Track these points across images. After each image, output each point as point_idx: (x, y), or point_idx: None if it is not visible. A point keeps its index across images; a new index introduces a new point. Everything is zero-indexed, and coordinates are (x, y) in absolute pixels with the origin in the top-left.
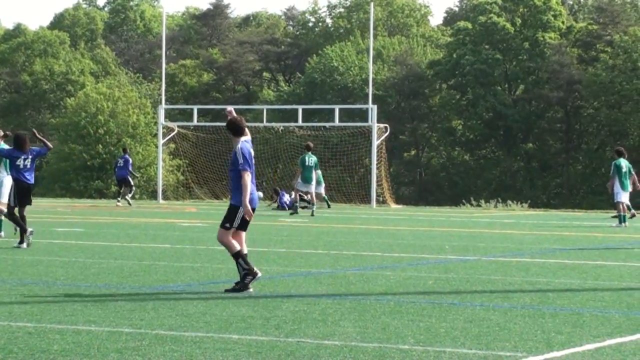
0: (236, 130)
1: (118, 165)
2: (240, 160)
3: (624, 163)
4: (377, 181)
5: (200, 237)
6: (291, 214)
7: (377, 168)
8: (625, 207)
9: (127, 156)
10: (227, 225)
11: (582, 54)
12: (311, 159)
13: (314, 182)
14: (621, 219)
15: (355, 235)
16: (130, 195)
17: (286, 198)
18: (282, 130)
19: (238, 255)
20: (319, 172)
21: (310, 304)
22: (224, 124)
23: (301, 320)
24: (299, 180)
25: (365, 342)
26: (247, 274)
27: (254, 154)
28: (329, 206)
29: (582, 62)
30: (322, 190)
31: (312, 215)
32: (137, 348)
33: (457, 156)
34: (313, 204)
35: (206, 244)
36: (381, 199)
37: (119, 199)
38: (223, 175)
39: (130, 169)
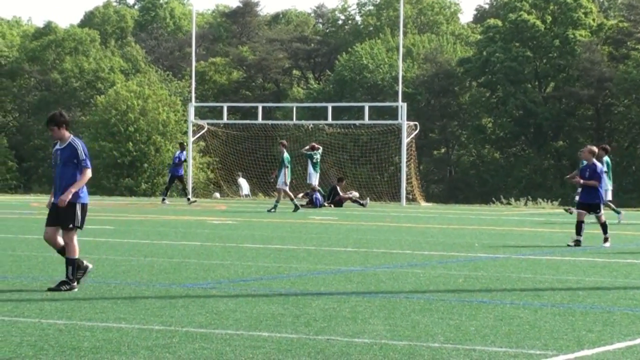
0: (61, 122)
1: (175, 162)
2: (83, 157)
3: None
4: (407, 179)
5: (230, 235)
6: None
7: (407, 166)
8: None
9: (183, 153)
10: (71, 225)
11: (613, 52)
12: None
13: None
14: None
15: (385, 233)
16: (166, 194)
17: (319, 196)
18: (311, 128)
19: (74, 262)
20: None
21: (340, 301)
22: (254, 121)
23: (331, 318)
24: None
25: (395, 340)
26: (68, 282)
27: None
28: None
29: (612, 60)
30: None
31: (271, 211)
32: (167, 345)
33: (487, 154)
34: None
35: (236, 242)
36: (411, 196)
37: (188, 198)
38: (253, 173)
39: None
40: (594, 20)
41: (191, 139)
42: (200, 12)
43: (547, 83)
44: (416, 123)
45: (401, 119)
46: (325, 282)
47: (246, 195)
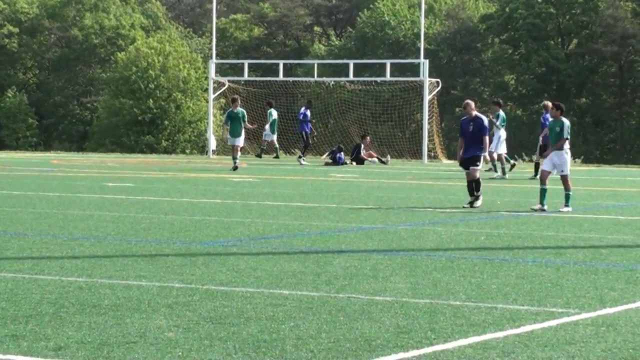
0: None
1: (300, 118)
2: None
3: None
4: (429, 136)
5: (250, 193)
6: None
7: (429, 123)
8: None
9: (306, 111)
10: None
11: (637, 8)
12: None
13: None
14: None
15: (406, 191)
16: (303, 154)
17: (342, 155)
18: (333, 85)
19: None
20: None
21: (361, 259)
22: (275, 78)
23: (352, 276)
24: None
25: (416, 298)
26: None
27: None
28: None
29: (636, 16)
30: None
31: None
32: (187, 303)
33: (509, 111)
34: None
35: (257, 199)
36: (433, 154)
37: (300, 156)
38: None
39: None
40: None
41: (212, 96)
42: None
43: (570, 40)
44: (438, 80)
45: (423, 76)
46: (347, 240)
47: (213, 151)
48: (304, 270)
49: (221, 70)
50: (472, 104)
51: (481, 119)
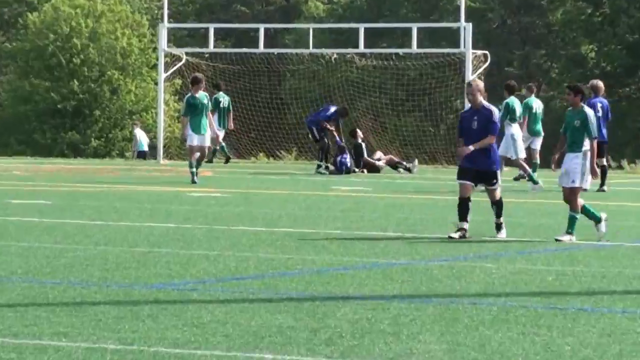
0: None
1: (321, 116)
2: None
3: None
4: None
5: (218, 213)
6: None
7: None
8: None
9: (334, 113)
10: None
11: None
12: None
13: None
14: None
15: (440, 210)
16: (324, 160)
17: (347, 158)
18: (335, 59)
19: None
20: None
21: (377, 309)
22: (254, 50)
23: (363, 334)
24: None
25: None
26: None
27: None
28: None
29: None
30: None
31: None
32: None
33: (587, 95)
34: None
35: (227, 223)
36: None
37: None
38: (252, 124)
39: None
40: None
41: (162, 75)
42: None
43: None
44: (486, 52)
45: (464, 46)
46: (355, 281)
47: (140, 152)
48: (294, 325)
49: (176, 38)
50: (479, 84)
51: (489, 112)
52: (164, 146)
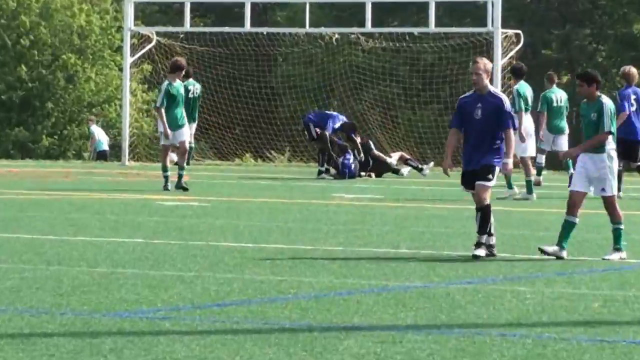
0: None
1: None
2: None
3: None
4: None
5: (195, 226)
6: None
7: None
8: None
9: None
10: None
11: None
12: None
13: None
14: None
15: (463, 223)
16: (327, 164)
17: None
18: (336, 40)
19: None
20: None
21: (387, 342)
22: (239, 29)
23: None
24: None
25: None
26: None
27: None
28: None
29: None
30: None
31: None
32: None
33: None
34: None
35: (206, 238)
36: None
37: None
38: (236, 118)
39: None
40: None
41: (128, 60)
42: None
43: None
44: (518, 32)
45: (493, 24)
46: (361, 308)
47: (100, 153)
48: None
49: (145, 15)
50: (487, 64)
51: (499, 99)
52: (130, 145)
